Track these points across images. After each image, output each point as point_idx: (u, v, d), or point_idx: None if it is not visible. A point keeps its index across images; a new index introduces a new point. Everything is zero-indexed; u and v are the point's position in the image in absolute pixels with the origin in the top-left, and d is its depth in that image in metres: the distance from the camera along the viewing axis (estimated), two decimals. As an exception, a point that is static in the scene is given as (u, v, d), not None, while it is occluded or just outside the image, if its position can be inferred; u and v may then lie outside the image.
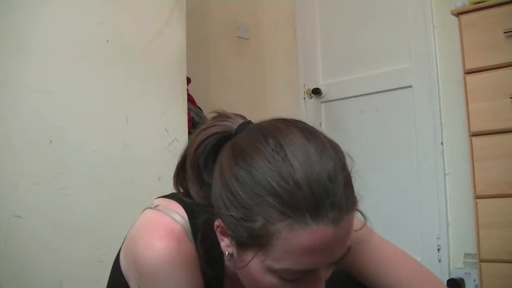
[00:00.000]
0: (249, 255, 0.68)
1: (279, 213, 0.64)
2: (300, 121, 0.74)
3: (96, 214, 1.72)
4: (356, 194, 0.69)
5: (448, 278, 2.33)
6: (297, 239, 0.63)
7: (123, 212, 1.71)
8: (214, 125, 0.79)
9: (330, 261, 0.68)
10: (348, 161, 0.71)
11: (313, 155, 0.66)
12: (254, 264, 0.68)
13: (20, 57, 1.62)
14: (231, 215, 0.67)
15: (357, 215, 0.70)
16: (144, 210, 0.84)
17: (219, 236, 0.73)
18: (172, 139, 1.95)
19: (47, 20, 1.70)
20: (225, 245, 0.72)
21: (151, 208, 0.82)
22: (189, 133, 2.09)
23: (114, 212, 1.74)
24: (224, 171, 0.70)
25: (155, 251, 0.74)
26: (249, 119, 0.80)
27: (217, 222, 0.72)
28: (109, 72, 1.82)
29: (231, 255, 0.72)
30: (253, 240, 0.66)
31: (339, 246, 0.67)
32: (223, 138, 0.77)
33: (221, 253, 0.75)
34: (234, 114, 0.81)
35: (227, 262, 0.80)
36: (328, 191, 0.64)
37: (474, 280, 2.24)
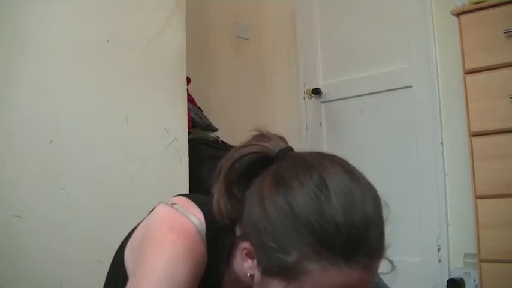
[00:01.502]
0: (274, 284, 0.69)
1: (314, 252, 0.65)
2: (344, 160, 0.75)
3: (96, 214, 1.72)
4: (386, 242, 0.71)
5: (448, 278, 2.33)
6: (328, 280, 0.65)
7: (123, 212, 1.71)
8: (254, 144, 0.79)
9: None
10: (384, 209, 0.72)
11: (356, 200, 0.67)
12: None
13: (20, 57, 1.62)
14: (265, 243, 0.68)
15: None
16: (158, 205, 0.84)
17: (243, 257, 0.74)
18: (172, 139, 1.95)
19: (47, 20, 1.70)
20: (248, 266, 0.73)
21: (167, 204, 0.83)
22: (189, 133, 2.09)
23: (114, 212, 1.74)
24: (264, 198, 0.70)
25: (166, 246, 0.75)
26: (289, 145, 0.80)
27: (245, 244, 0.73)
28: (109, 72, 1.82)
29: (252, 276, 0.73)
30: (283, 272, 0.67)
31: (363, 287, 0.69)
32: (262, 159, 0.77)
33: (223, 263, 0.77)
34: (275, 135, 0.81)
35: (235, 271, 0.80)
36: (364, 239, 0.66)
37: (474, 280, 2.24)
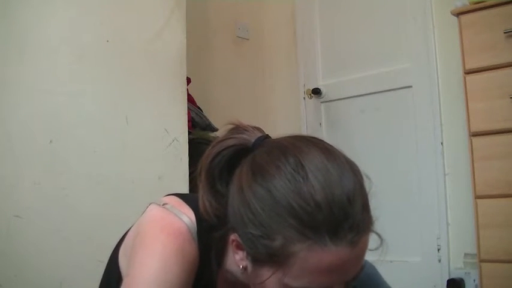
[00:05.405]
0: (265, 271, 0.69)
1: (298, 234, 0.65)
2: (319, 140, 0.74)
3: (96, 214, 1.72)
4: (372, 214, 0.70)
5: (448, 278, 2.33)
6: (316, 259, 0.65)
7: (123, 212, 1.71)
8: (230, 138, 0.79)
9: (345, 280, 0.70)
10: (366, 181, 0.72)
11: (334, 176, 0.67)
12: (271, 281, 0.69)
13: (20, 57, 1.62)
14: (249, 232, 0.68)
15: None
16: (149, 205, 0.84)
17: (234, 250, 0.74)
18: (172, 139, 1.95)
19: (47, 20, 1.70)
20: (240, 258, 0.73)
21: (158, 205, 0.82)
22: (189, 133, 2.09)
23: (114, 212, 1.74)
24: (243, 187, 0.70)
25: (157, 248, 0.74)
26: (266, 133, 0.79)
27: (233, 237, 0.72)
28: (109, 72, 1.82)
29: (244, 268, 0.73)
30: (271, 258, 0.67)
31: (354, 266, 0.69)
32: (240, 151, 0.77)
33: (218, 260, 0.77)
34: (251, 126, 0.81)
35: (227, 269, 0.80)
36: (347, 213, 0.66)
37: (474, 280, 2.24)
